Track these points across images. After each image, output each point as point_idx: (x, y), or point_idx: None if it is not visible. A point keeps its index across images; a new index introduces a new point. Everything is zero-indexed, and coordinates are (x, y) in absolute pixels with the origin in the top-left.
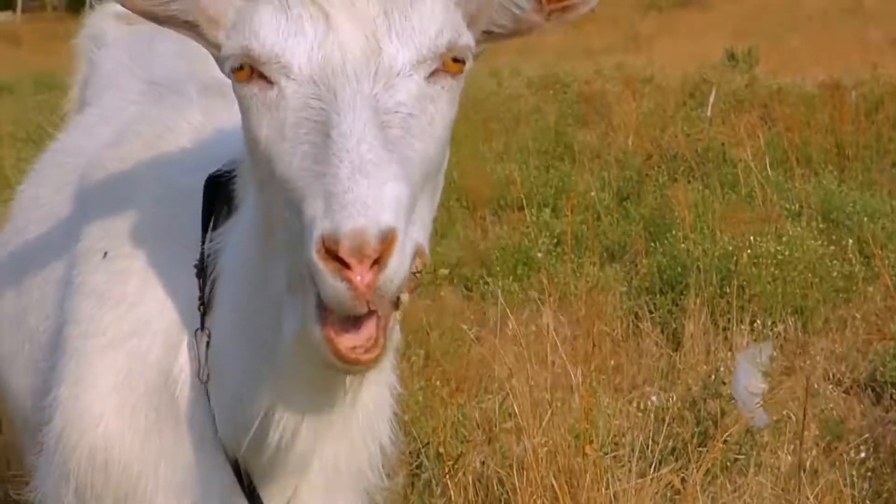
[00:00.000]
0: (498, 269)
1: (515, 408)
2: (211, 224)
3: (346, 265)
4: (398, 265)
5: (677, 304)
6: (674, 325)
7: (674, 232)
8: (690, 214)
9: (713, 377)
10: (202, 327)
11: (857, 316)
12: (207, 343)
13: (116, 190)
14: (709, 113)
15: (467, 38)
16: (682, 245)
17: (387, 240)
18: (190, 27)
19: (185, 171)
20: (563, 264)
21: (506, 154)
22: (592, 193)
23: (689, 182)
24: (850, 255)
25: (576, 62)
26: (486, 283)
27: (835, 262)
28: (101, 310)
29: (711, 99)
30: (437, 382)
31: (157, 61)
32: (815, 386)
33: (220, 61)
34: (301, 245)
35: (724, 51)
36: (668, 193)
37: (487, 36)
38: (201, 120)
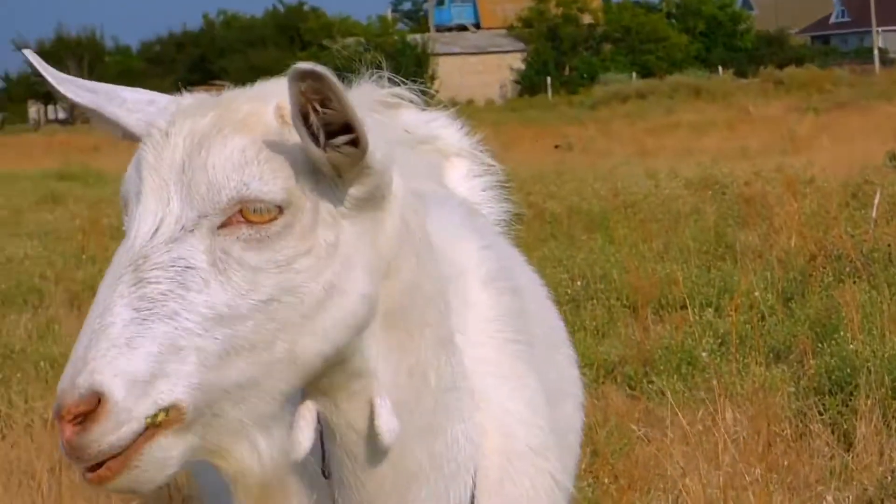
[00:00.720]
0: (661, 367)
1: None
2: None
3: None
4: (104, 431)
5: (847, 405)
6: (844, 426)
7: (841, 332)
8: (858, 315)
9: (889, 478)
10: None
11: None
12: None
13: None
14: (874, 214)
15: (263, 191)
16: (851, 346)
17: (88, 404)
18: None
19: None
20: (727, 364)
21: (666, 254)
22: (756, 293)
23: (855, 283)
24: None
25: (733, 163)
26: (651, 382)
27: None
28: None
29: (876, 200)
30: (606, 480)
31: None
32: None
33: None
34: None
35: (886, 153)
36: (834, 294)
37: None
38: None
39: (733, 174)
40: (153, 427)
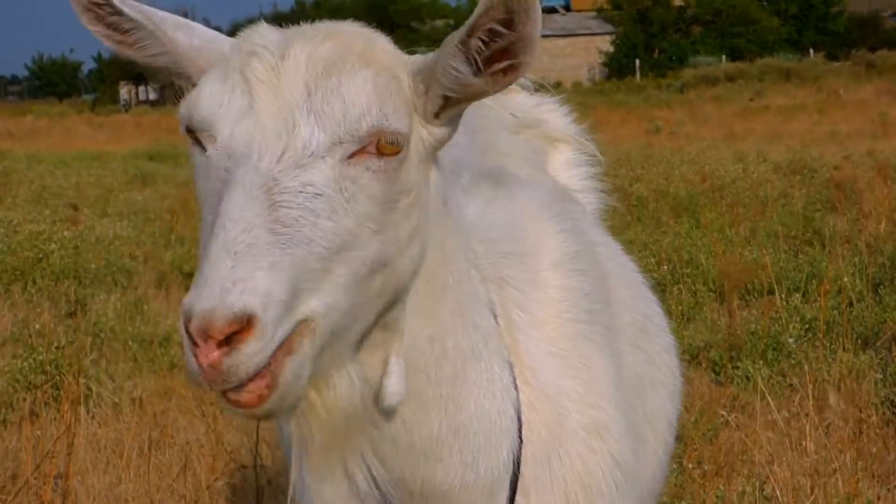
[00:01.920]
0: (748, 353)
1: (777, 493)
2: None
3: (194, 342)
4: (250, 353)
5: None
6: None
7: None
8: None
9: None
10: None
11: None
12: None
13: None
14: None
15: (398, 124)
16: None
17: (240, 324)
18: (187, 80)
19: None
20: (814, 350)
21: (753, 239)
22: (844, 279)
23: None
24: None
25: (823, 147)
26: (736, 367)
27: None
28: None
29: None
30: (690, 465)
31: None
32: None
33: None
34: None
35: None
36: None
37: (448, 101)
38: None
39: (822, 158)
40: (288, 346)
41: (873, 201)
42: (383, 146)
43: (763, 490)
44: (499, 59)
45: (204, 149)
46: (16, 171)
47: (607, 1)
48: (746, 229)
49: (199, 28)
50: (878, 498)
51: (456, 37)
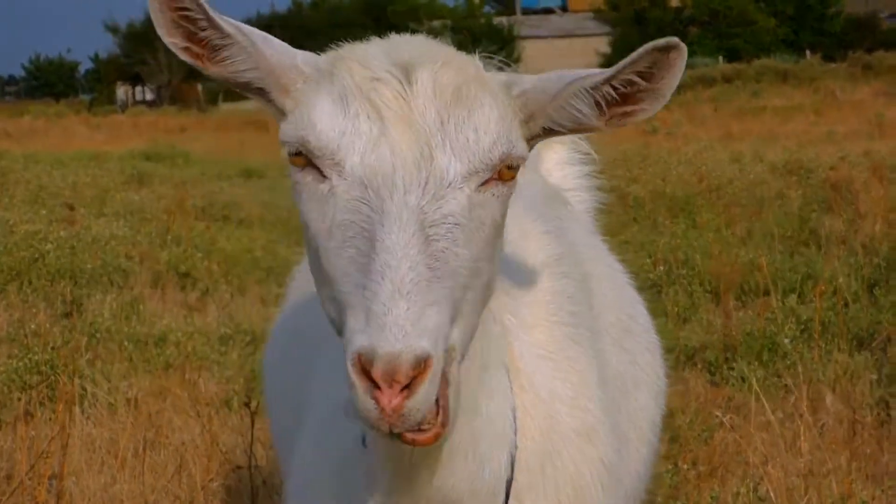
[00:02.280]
0: (743, 354)
1: (771, 493)
2: None
3: (377, 386)
4: (427, 393)
5: None
6: None
7: None
8: None
9: None
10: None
11: None
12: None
13: None
14: None
15: (521, 149)
16: None
17: (420, 367)
18: (261, 93)
19: None
20: (810, 351)
21: (749, 239)
22: (840, 280)
23: None
24: None
25: (819, 148)
26: (731, 368)
27: None
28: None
29: None
30: (685, 466)
31: None
32: None
33: (281, 135)
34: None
35: None
36: None
37: (547, 132)
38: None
39: (819, 159)
40: (445, 377)
41: (869, 202)
42: (504, 171)
43: (757, 491)
44: (624, 103)
45: (322, 175)
46: (13, 171)
47: (604, 2)
48: (742, 230)
49: (276, 41)
50: (873, 498)
51: (588, 81)
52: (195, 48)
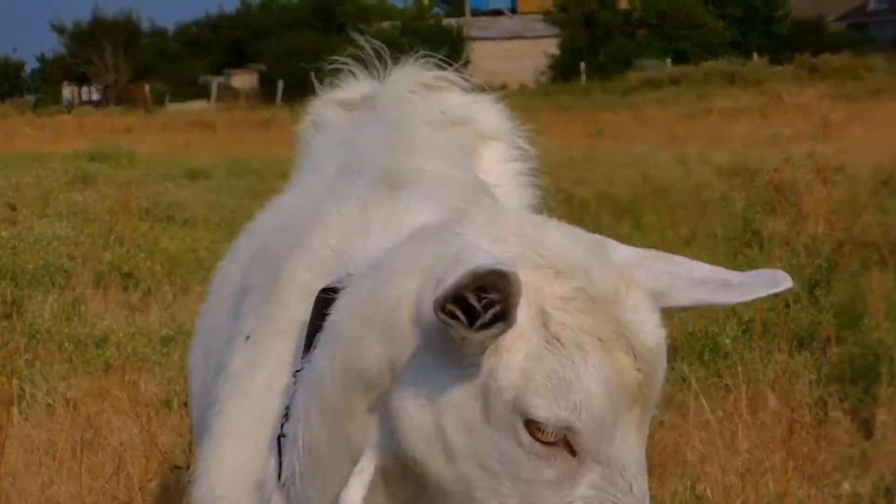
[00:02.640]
0: (684, 354)
1: (709, 492)
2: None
3: None
4: None
5: (868, 393)
6: (864, 415)
7: (866, 321)
8: (884, 303)
9: None
10: (279, 450)
11: None
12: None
13: (267, 276)
14: None
15: None
16: (875, 334)
17: None
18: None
19: (313, 269)
20: (750, 351)
21: (693, 240)
22: None
23: (881, 271)
24: None
25: (765, 149)
26: (672, 368)
27: None
28: (231, 397)
29: None
30: None
31: (358, 144)
32: None
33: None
34: None
35: None
36: (860, 282)
37: None
38: (355, 214)
39: (764, 161)
40: None
41: (812, 203)
42: None
43: (695, 489)
44: None
45: (572, 456)
46: None
47: (553, 4)
48: (687, 231)
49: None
50: (809, 497)
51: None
52: None
